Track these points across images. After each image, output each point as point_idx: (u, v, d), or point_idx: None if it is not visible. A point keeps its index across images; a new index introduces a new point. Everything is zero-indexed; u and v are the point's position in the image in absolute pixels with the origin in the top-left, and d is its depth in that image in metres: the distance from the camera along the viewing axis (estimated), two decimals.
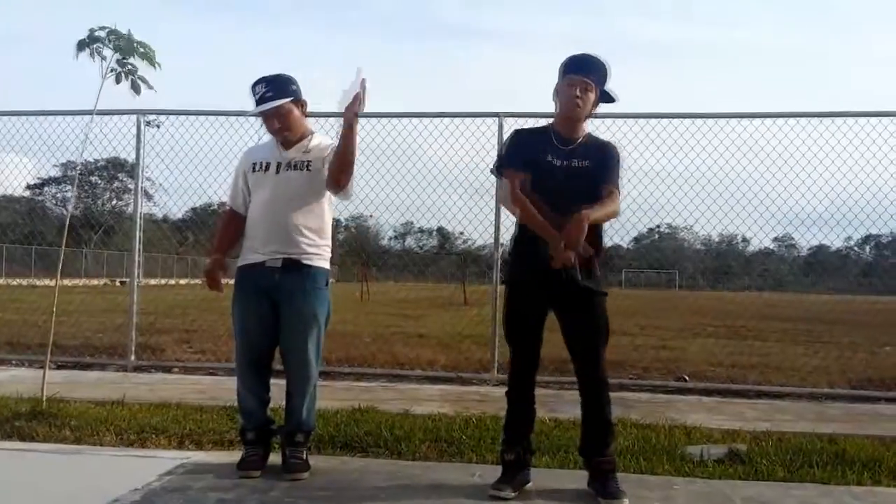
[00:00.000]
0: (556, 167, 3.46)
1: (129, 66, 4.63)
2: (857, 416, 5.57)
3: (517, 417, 3.57)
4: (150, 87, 4.69)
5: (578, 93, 3.45)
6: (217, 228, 3.95)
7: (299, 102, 3.80)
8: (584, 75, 3.47)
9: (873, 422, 5.35)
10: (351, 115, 3.55)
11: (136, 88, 4.66)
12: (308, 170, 3.72)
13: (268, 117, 3.74)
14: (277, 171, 3.72)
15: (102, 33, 4.53)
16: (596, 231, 3.41)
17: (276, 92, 3.71)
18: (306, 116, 3.90)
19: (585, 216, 3.22)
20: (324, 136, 3.91)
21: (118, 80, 4.66)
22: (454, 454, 4.14)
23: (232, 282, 3.87)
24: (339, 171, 3.64)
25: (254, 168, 3.77)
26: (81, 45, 4.55)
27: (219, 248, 3.88)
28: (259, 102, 3.71)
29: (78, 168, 9.75)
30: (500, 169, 3.60)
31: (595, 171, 3.47)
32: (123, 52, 4.56)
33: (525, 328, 3.52)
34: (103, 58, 4.59)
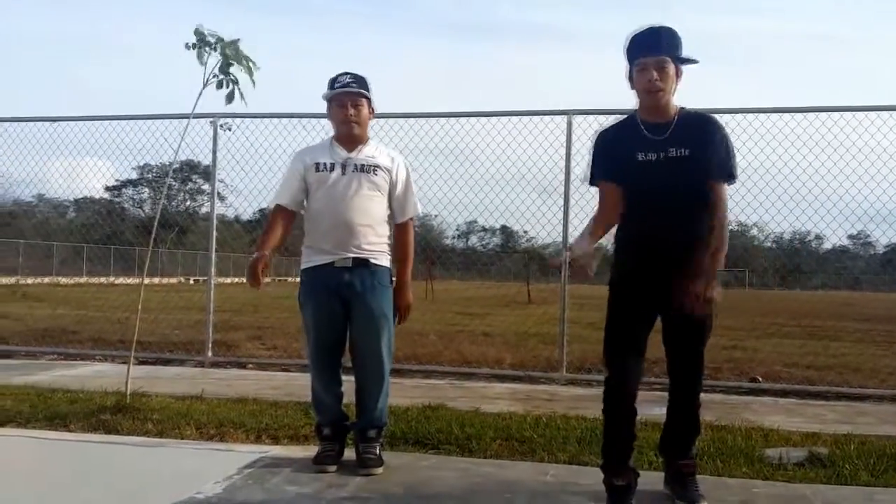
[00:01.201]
0: (651, 163, 3.10)
1: (233, 76, 4.76)
2: None
3: (619, 436, 3.21)
4: (245, 102, 4.82)
5: (655, 76, 3.08)
6: (267, 225, 3.91)
7: (372, 105, 3.89)
8: (655, 55, 3.10)
9: None
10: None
11: (230, 97, 4.80)
12: (375, 174, 3.79)
13: (345, 103, 3.78)
14: (343, 172, 3.77)
15: (212, 38, 4.66)
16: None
17: (359, 84, 3.82)
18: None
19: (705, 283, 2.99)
20: (381, 145, 3.99)
21: (219, 86, 4.80)
22: (526, 453, 4.13)
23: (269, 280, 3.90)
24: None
25: (317, 168, 3.80)
26: (195, 44, 4.68)
27: (266, 245, 3.81)
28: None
29: (171, 170, 10.07)
30: (591, 181, 3.31)
31: (698, 158, 3.08)
32: (231, 59, 4.68)
33: (631, 336, 3.18)
34: (203, 63, 4.72)
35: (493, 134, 7.22)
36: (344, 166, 3.78)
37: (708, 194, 3.10)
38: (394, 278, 3.89)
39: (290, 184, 3.89)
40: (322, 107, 3.95)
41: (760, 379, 6.89)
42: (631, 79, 3.19)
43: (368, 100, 3.86)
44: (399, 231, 3.92)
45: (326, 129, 4.55)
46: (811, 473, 3.78)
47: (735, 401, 5.92)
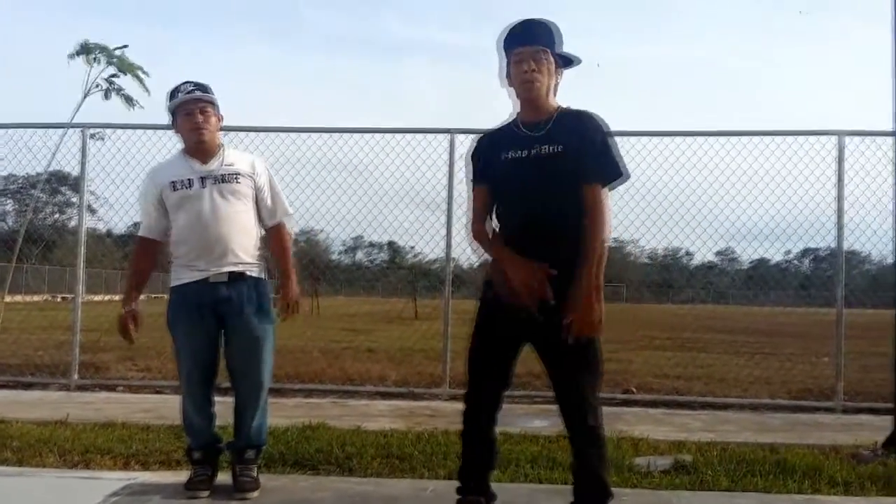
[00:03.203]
0: (519, 160, 2.88)
1: (117, 85, 4.58)
2: (798, 426, 5.74)
3: (471, 460, 3.07)
4: (141, 107, 4.64)
5: (532, 66, 2.88)
6: (131, 265, 3.79)
7: (219, 112, 3.76)
8: (530, 45, 2.90)
9: (812, 431, 5.52)
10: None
11: (129, 101, 4.61)
12: (237, 182, 3.66)
13: (192, 111, 3.63)
14: (203, 186, 3.61)
15: (95, 48, 4.47)
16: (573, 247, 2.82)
17: (203, 91, 3.69)
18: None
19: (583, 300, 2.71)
20: (236, 151, 3.87)
21: (106, 96, 4.61)
22: (406, 470, 4.13)
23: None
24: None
25: (174, 187, 3.62)
26: (79, 53, 4.48)
27: (133, 295, 3.68)
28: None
29: (40, 182, 9.52)
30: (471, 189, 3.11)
31: (571, 156, 2.81)
32: (121, 69, 4.51)
33: (491, 363, 2.99)
34: (92, 65, 4.52)
35: (378, 150, 7.25)
36: (203, 179, 3.62)
37: (583, 198, 2.83)
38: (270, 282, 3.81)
39: (147, 212, 3.72)
40: None
41: (634, 390, 7.18)
42: (508, 76, 2.99)
43: (215, 106, 3.71)
44: (273, 234, 3.80)
45: None
46: (676, 480, 3.97)
47: (608, 412, 6.05)
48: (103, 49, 4.53)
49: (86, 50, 4.48)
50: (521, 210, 2.91)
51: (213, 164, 3.68)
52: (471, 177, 3.11)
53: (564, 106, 3.00)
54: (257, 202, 3.76)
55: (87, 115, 6.41)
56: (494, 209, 3.06)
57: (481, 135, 3.19)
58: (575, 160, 2.82)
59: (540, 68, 2.90)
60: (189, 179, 3.62)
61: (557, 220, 2.85)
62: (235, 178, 3.66)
